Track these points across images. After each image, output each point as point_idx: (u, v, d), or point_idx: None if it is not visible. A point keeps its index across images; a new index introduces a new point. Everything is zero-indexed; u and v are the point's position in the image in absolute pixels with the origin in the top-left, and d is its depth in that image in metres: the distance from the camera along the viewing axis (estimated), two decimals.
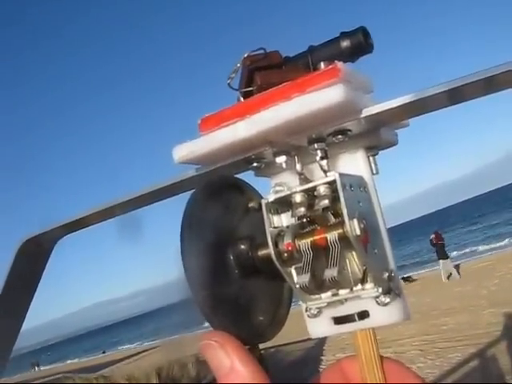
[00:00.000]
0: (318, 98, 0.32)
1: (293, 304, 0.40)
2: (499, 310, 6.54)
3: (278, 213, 0.36)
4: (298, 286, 0.34)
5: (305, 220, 0.35)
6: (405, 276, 13.48)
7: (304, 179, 0.36)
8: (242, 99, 0.38)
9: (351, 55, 0.37)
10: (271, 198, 0.35)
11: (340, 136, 0.35)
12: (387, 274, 0.35)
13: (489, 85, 0.32)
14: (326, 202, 0.33)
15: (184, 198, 0.36)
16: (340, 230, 0.33)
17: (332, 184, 0.33)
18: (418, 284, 12.32)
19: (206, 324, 0.34)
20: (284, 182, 0.36)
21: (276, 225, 0.36)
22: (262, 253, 0.35)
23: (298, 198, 0.35)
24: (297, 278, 0.34)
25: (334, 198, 0.33)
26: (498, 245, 19.39)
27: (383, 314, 0.35)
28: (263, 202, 0.35)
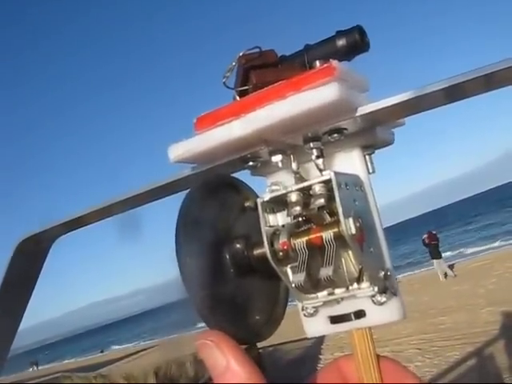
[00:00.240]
0: (313, 96, 0.32)
1: (289, 304, 0.40)
2: (497, 309, 6.55)
3: (273, 212, 0.36)
4: (293, 285, 0.34)
5: (300, 219, 0.35)
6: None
7: (300, 178, 0.36)
8: (237, 98, 0.38)
9: (347, 54, 0.37)
10: (267, 197, 0.35)
11: (336, 135, 0.35)
12: (383, 273, 0.35)
13: (488, 82, 0.31)
14: (321, 200, 0.33)
15: (182, 196, 0.36)
16: (335, 229, 0.32)
17: (327, 183, 0.33)
18: (415, 283, 12.31)
19: (203, 323, 0.34)
20: (280, 181, 0.36)
21: (272, 224, 0.36)
22: (257, 252, 0.35)
23: (293, 197, 0.35)
24: (292, 277, 0.34)
25: (330, 197, 0.33)
26: (490, 246, 19.32)
27: (379, 313, 0.35)
28: (259, 201, 0.35)
